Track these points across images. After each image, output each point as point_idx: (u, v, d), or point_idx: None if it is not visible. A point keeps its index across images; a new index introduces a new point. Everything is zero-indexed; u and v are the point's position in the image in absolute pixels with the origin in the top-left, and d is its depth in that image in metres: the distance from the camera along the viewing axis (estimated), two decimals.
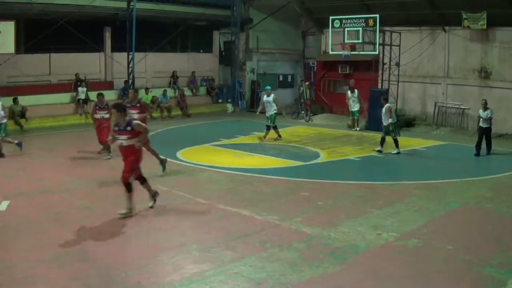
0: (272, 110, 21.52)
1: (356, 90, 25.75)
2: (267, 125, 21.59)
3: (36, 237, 9.90)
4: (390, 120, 18.94)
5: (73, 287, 7.75)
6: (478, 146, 19.30)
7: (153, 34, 31.37)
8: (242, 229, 10.46)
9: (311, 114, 29.49)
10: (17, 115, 25.20)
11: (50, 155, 18.75)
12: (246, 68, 35.62)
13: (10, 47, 24.69)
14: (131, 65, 29.53)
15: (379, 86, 27.58)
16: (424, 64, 28.32)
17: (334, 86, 33.06)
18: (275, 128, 21.48)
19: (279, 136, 21.56)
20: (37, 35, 26.95)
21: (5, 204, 12.04)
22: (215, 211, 11.76)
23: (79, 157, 18.31)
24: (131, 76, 29.62)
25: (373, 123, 25.05)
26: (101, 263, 8.67)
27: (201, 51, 35.94)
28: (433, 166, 16.50)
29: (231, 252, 9.15)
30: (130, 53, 29.51)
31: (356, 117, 26.00)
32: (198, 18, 32.91)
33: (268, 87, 23.12)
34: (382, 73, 27.63)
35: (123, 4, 28.79)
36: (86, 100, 28.04)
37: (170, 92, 31.60)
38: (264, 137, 21.57)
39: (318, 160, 18.06)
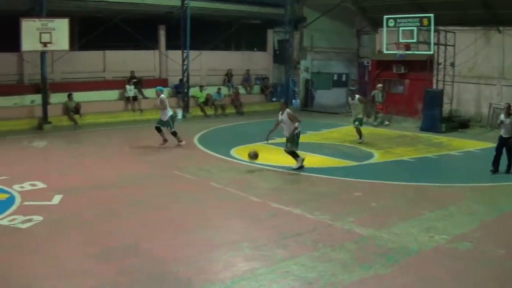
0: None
1: (357, 96, 21.61)
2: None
3: (86, 231, 10.03)
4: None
5: (122, 282, 7.78)
6: (496, 160, 15.82)
7: (208, 32, 31.34)
8: (294, 228, 10.36)
9: (383, 120, 28.05)
10: (71, 110, 25.57)
11: (102, 151, 18.97)
12: (300, 67, 35.37)
13: (65, 44, 25.04)
14: (185, 63, 29.60)
15: (434, 86, 27.08)
16: (479, 64, 27.60)
17: (389, 86, 32.57)
18: None
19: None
20: (91, 32, 27.32)
21: (57, 198, 12.22)
22: (268, 210, 11.69)
23: (130, 153, 18.48)
24: (185, 74, 29.69)
25: (429, 123, 24.69)
26: (151, 258, 8.68)
27: (255, 49, 35.87)
28: (486, 168, 16.10)
29: (282, 250, 9.07)
30: (185, 51, 29.57)
31: (358, 126, 21.24)
32: (252, 16, 32.90)
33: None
34: (437, 73, 27.09)
35: (177, 3, 28.87)
36: (135, 98, 28.24)
37: (224, 90, 31.59)
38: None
39: (372, 161, 17.80)
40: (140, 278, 7.90)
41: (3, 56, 26.25)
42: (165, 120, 19.20)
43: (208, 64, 32.58)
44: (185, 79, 29.63)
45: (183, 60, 29.53)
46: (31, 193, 12.71)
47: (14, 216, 10.86)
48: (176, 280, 7.86)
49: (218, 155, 17.82)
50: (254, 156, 15.74)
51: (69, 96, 25.77)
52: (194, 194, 12.80)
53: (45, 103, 25.15)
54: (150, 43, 30.11)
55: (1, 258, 8.66)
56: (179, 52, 29.77)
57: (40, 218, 10.74)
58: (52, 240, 9.55)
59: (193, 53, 29.91)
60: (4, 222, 10.54)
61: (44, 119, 25.10)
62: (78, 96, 26.25)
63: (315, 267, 8.33)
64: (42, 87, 25.01)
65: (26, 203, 11.91)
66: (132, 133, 23.31)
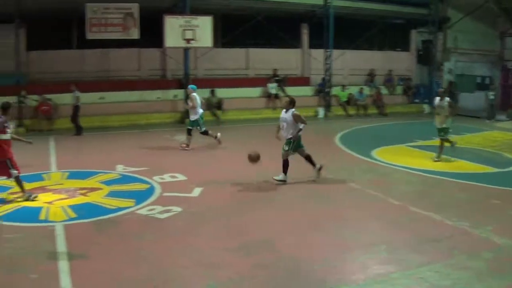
0: None
1: (446, 99, 17.18)
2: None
3: (224, 225, 9.99)
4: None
5: (257, 277, 7.66)
6: None
7: (350, 31, 30.94)
8: (432, 233, 9.76)
9: None
10: (214, 106, 25.92)
11: (242, 146, 18.98)
12: (444, 68, 34.11)
13: (208, 41, 25.48)
14: (328, 62, 29.28)
15: None
16: None
17: None
18: None
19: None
20: (234, 30, 27.63)
21: (197, 191, 12.32)
22: (406, 213, 11.12)
23: (271, 150, 18.35)
24: (328, 73, 29.37)
25: None
26: (286, 255, 8.47)
27: (398, 49, 35.00)
28: None
29: (418, 256, 8.56)
30: (328, 50, 29.26)
31: (443, 137, 16.91)
32: (395, 16, 32.17)
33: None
34: None
35: (320, 1, 28.67)
36: (277, 95, 28.15)
37: (366, 90, 30.96)
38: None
39: None
40: (275, 274, 7.76)
41: (148, 51, 27.12)
42: (194, 120, 18.82)
43: (350, 64, 32.24)
44: (327, 78, 29.27)
45: (326, 59, 29.24)
46: (171, 185, 12.93)
47: (153, 206, 11.05)
48: (311, 279, 7.62)
49: (359, 156, 17.34)
50: (255, 158, 14.56)
51: (212, 92, 26.16)
52: (333, 194, 12.46)
53: (188, 98, 25.60)
54: (293, 42, 30.07)
55: (141, 246, 8.81)
56: (321, 51, 29.54)
57: (179, 209, 10.84)
58: (190, 231, 9.63)
59: (335, 52, 29.62)
60: (143, 211, 10.74)
61: (186, 113, 25.56)
62: (221, 92, 26.59)
63: (449, 275, 7.80)
64: (185, 83, 25.48)
65: (165, 194, 12.12)
66: (272, 130, 23.24)
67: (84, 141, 20.49)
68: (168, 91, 27.10)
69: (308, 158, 13.71)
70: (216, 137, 18.94)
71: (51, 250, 8.59)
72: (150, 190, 12.43)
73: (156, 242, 9.01)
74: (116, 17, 25.34)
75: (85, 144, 20.02)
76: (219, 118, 25.57)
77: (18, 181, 11.75)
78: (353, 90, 30.41)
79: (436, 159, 16.52)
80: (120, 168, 14.86)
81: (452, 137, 17.29)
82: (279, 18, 28.94)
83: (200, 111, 18.81)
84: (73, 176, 13.42)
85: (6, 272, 7.74)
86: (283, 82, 28.97)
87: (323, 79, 29.66)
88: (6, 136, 11.62)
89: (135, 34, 25.44)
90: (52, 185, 13.09)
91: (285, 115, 13.65)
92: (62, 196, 12.04)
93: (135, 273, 7.69)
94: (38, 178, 13.69)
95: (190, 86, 19.33)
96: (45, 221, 10.23)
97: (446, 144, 16.79)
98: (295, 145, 13.47)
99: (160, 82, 27.84)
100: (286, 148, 13.43)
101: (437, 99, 16.96)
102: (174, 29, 24.81)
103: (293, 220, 10.45)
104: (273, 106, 27.97)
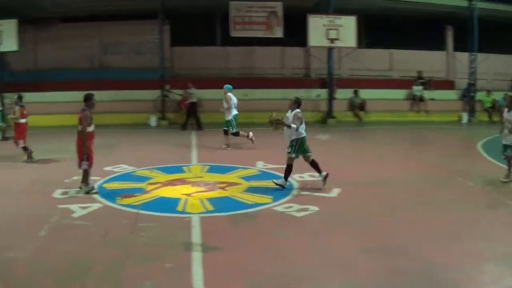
0: None
1: None
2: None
3: (360, 226, 9.69)
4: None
5: (390, 281, 7.35)
6: None
7: (494, 34, 29.45)
8: None
9: None
10: (356, 107, 25.64)
11: (383, 148, 18.63)
12: None
13: (351, 41, 25.24)
14: (473, 65, 28.05)
15: None
16: None
17: None
18: None
19: None
20: (378, 30, 27.22)
21: (336, 191, 12.07)
22: None
23: (410, 153, 17.85)
24: (472, 77, 28.14)
25: None
26: (421, 261, 8.02)
27: None
28: None
29: None
30: (472, 53, 28.03)
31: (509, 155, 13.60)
32: None
33: None
34: None
35: (464, 3, 27.50)
36: (422, 98, 27.30)
37: None
38: None
39: None
40: (408, 279, 7.42)
41: (291, 50, 27.23)
42: (228, 119, 18.41)
43: (494, 68, 30.67)
44: (472, 82, 28.06)
45: (470, 63, 28.02)
46: (309, 184, 12.79)
47: (290, 204, 10.91)
48: (445, 287, 7.24)
49: (501, 164, 16.38)
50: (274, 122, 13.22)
51: (355, 92, 25.92)
52: (472, 202, 11.74)
53: (331, 97, 25.55)
54: (437, 44, 29.18)
55: (276, 243, 8.71)
56: (466, 54, 28.37)
57: (316, 208, 10.63)
58: (325, 231, 9.41)
59: (480, 56, 28.26)
60: (280, 208, 10.63)
61: (329, 113, 25.47)
62: (364, 93, 26.32)
63: None
64: (328, 82, 25.31)
65: (303, 192, 11.99)
66: (415, 134, 22.63)
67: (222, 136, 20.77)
68: (311, 90, 27.00)
69: (314, 164, 12.72)
70: (248, 136, 18.62)
71: (186, 241, 8.69)
72: (289, 188, 12.32)
73: (291, 239, 8.88)
74: (260, 16, 25.68)
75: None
76: (362, 119, 25.25)
77: (85, 173, 11.95)
78: (498, 96, 28.79)
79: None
80: (260, 165, 14.95)
81: None
82: (423, 19, 28.23)
83: (234, 112, 18.55)
84: (213, 170, 13.57)
85: (142, 261, 7.87)
86: (428, 85, 28.14)
87: (469, 84, 28.38)
88: (90, 128, 11.92)
89: (278, 32, 25.63)
90: (191, 178, 13.32)
91: (289, 115, 12.98)
92: (201, 188, 12.21)
93: (267, 268, 7.62)
94: (179, 170, 14.00)
95: (225, 86, 18.99)
96: (182, 212, 10.39)
97: None
98: (298, 148, 12.57)
99: (303, 81, 27.89)
100: (289, 151, 12.61)
101: (505, 110, 13.88)
102: (318, 29, 24.77)
103: (429, 225, 9.92)
104: (418, 109, 27.20)
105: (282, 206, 10.76)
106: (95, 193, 11.81)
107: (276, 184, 12.54)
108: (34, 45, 29.76)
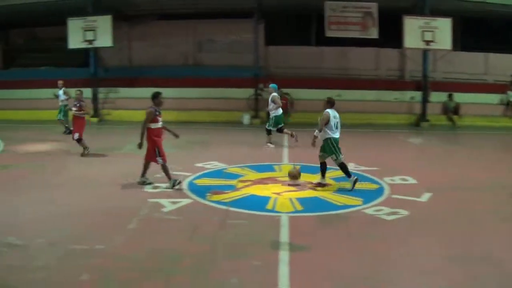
0: None
1: None
2: None
3: (447, 233, 9.52)
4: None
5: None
6: None
7: None
8: None
9: None
10: (450, 111, 25.24)
11: (476, 154, 18.24)
12: None
13: (447, 44, 24.83)
14: None
15: None
16: None
17: None
18: None
19: None
20: (473, 33, 26.66)
21: (426, 196, 11.92)
22: None
23: (501, 159, 17.35)
24: None
25: None
26: (504, 270, 7.86)
27: None
28: None
29: None
30: None
31: None
32: None
33: None
34: None
35: None
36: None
37: None
38: None
39: None
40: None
41: (386, 51, 27.05)
42: (270, 116, 18.54)
43: None
44: None
45: None
46: (400, 188, 12.64)
47: (380, 207, 10.86)
48: None
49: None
50: (296, 175, 12.93)
51: (450, 96, 25.48)
52: None
53: (425, 100, 25.29)
54: None
55: (364, 245, 8.74)
56: None
57: (406, 212, 10.54)
58: (413, 236, 9.32)
59: None
60: (370, 211, 10.62)
61: (422, 116, 25.19)
62: (458, 97, 25.76)
63: None
64: (423, 85, 25.04)
65: (394, 196, 11.87)
66: (509, 140, 22.00)
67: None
68: (405, 92, 26.72)
69: (343, 167, 12.59)
70: (291, 134, 18.69)
71: (274, 240, 8.81)
72: (379, 191, 12.29)
73: (379, 242, 8.86)
74: (355, 16, 25.59)
75: (317, 140, 20.30)
76: (455, 123, 24.80)
77: (165, 168, 12.32)
78: None
79: None
80: (351, 166, 14.80)
81: None
82: None
83: (279, 111, 18.64)
84: (304, 170, 13.55)
85: (229, 257, 8.08)
86: None
87: None
88: (157, 125, 12.29)
89: (374, 33, 25.49)
90: (282, 177, 13.44)
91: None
92: (291, 188, 12.35)
93: (353, 271, 7.64)
94: (270, 168, 14.21)
95: (271, 85, 19.02)
96: (272, 210, 10.55)
97: None
98: (327, 149, 12.56)
99: (398, 83, 27.64)
100: (320, 154, 12.75)
101: None
102: (413, 30, 24.50)
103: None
104: (510, 115, 26.41)
105: (372, 208, 10.74)
106: (179, 183, 12.34)
107: (314, 184, 12.81)
108: (128, 42, 30.86)
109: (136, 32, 30.89)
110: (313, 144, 12.68)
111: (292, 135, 18.57)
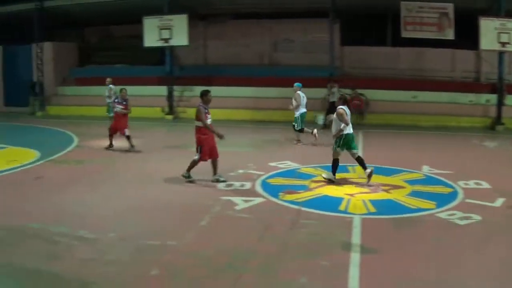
0: None
1: None
2: None
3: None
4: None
5: None
6: None
7: None
8: None
9: None
10: None
11: None
12: None
13: None
14: None
15: None
16: None
17: None
18: None
19: None
20: None
21: (500, 201, 11.80)
22: None
23: None
24: None
25: None
26: None
27: None
28: None
29: None
30: None
31: None
32: None
33: None
34: None
35: None
36: None
37: None
38: None
39: None
40: None
41: (462, 53, 26.77)
42: (295, 116, 18.76)
43: None
44: None
45: None
46: (474, 192, 12.54)
47: (453, 211, 10.85)
48: None
49: None
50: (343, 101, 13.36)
51: None
52: None
53: (500, 103, 24.82)
54: None
55: (435, 250, 8.72)
56: None
57: (479, 217, 10.49)
58: (486, 241, 9.26)
59: None
60: (443, 215, 10.62)
61: (498, 119, 24.79)
62: None
63: None
64: (499, 87, 24.68)
65: (467, 200, 11.81)
66: None
67: (390, 138, 20.87)
68: (481, 95, 26.38)
69: (359, 161, 13.24)
70: (312, 132, 18.98)
71: (345, 241, 8.99)
72: (453, 195, 12.24)
73: (451, 248, 8.86)
74: (431, 16, 25.43)
75: (392, 141, 20.43)
76: None
77: (193, 163, 12.91)
78: None
79: None
80: (425, 169, 14.94)
81: None
82: None
83: (303, 110, 18.93)
84: (377, 171, 13.68)
85: (300, 257, 8.31)
86: None
87: None
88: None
89: (450, 34, 25.27)
90: (355, 178, 13.66)
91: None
92: (365, 190, 12.54)
93: (423, 275, 7.67)
94: (343, 169, 14.29)
95: (296, 84, 19.25)
96: (344, 212, 10.75)
97: None
98: (342, 144, 13.09)
99: (473, 85, 27.27)
100: (334, 146, 13.26)
101: None
102: (489, 31, 24.15)
103: None
104: None
105: (445, 213, 10.74)
106: (223, 181, 12.90)
107: (325, 178, 13.13)
108: (204, 41, 31.47)
109: (211, 31, 31.47)
110: (338, 136, 13.07)
111: (313, 134, 19.07)
